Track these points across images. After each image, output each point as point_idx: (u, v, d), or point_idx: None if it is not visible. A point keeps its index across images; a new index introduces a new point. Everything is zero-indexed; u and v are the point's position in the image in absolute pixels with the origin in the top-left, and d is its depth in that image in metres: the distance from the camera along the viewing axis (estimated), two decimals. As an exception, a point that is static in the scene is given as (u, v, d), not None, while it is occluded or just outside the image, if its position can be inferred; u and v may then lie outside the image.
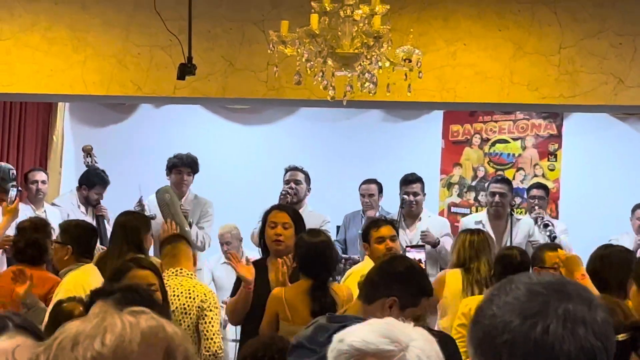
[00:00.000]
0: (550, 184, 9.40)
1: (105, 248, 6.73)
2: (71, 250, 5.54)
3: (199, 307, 5.21)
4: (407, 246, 5.72)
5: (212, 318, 5.20)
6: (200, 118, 10.21)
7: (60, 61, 7.24)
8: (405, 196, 7.69)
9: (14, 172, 7.82)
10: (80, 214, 7.90)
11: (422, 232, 7.47)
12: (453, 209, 10.14)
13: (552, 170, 10.01)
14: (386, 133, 10.20)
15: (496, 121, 10.12)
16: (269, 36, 5.48)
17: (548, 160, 10.03)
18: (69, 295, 4.60)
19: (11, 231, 6.34)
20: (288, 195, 7.58)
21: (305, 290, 5.11)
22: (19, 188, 7.52)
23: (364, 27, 5.27)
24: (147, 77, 7.22)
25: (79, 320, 1.48)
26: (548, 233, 7.63)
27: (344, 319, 2.84)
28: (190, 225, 7.42)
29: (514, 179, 9.86)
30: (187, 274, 5.35)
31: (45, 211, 7.89)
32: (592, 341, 1.55)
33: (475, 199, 10.01)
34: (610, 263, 4.70)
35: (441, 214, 9.80)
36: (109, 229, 7.79)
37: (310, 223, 6.16)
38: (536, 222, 7.87)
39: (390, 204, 8.09)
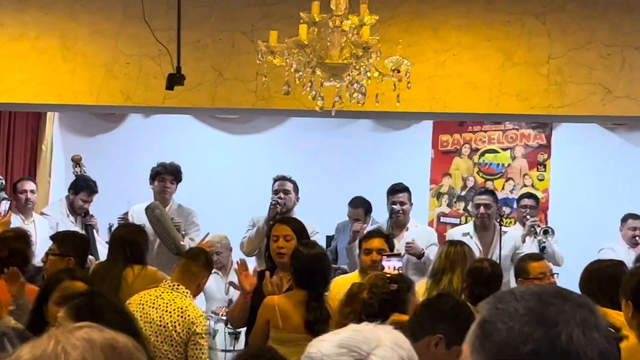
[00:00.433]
0: (539, 194, 9.42)
1: (93, 259, 6.71)
2: (73, 261, 5.53)
3: (189, 328, 5.14)
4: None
5: (202, 345, 5.17)
6: (190, 128, 10.20)
7: (50, 71, 7.22)
8: (394, 206, 7.69)
9: (3, 181, 7.81)
10: (69, 223, 7.87)
11: (407, 243, 7.42)
12: (442, 219, 10.15)
13: (541, 180, 10.03)
14: (376, 143, 10.21)
15: (485, 131, 10.14)
16: (258, 46, 5.48)
17: (537, 170, 10.05)
18: None
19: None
20: (278, 205, 7.57)
21: (300, 300, 5.13)
22: (10, 199, 7.49)
23: (352, 37, 5.26)
24: (137, 87, 7.21)
25: (29, 345, 1.44)
26: (545, 241, 7.68)
27: None
28: (184, 237, 7.40)
29: (503, 189, 9.89)
30: (183, 292, 5.23)
31: (34, 221, 7.87)
32: (606, 345, 1.58)
33: (465, 209, 10.01)
34: (599, 280, 4.68)
35: (430, 224, 9.81)
36: (98, 239, 7.78)
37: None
38: (533, 230, 7.90)
39: (379, 214, 8.08)
